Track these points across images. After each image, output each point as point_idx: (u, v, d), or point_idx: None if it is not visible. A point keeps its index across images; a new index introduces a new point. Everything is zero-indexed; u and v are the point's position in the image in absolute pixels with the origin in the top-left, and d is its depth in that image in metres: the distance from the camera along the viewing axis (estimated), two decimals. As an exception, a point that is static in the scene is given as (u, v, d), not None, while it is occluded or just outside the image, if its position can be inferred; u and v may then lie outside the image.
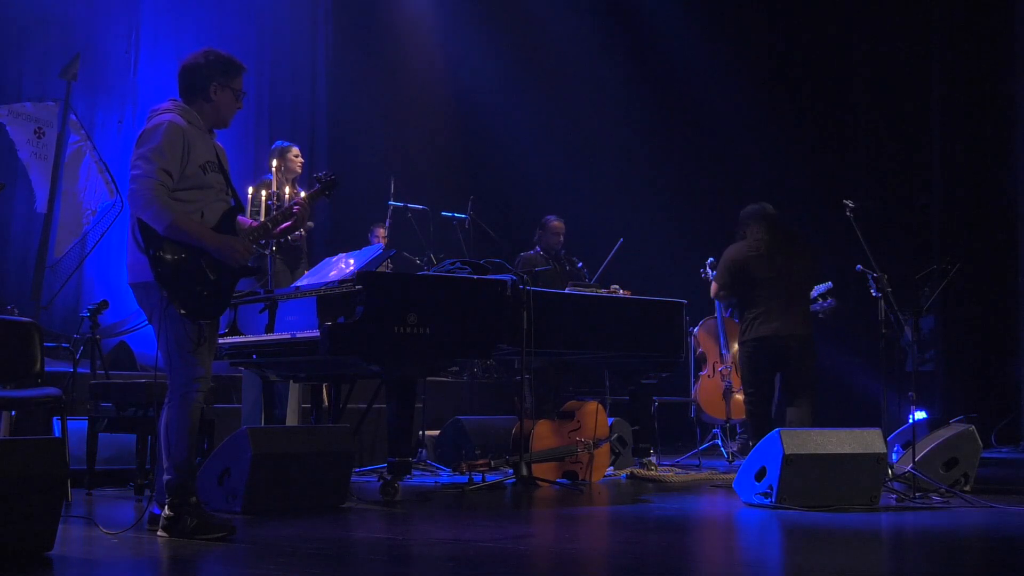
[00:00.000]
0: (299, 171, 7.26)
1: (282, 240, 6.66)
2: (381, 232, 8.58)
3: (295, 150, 7.27)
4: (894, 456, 5.96)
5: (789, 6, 11.28)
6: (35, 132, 7.80)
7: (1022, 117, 10.13)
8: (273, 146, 7.35)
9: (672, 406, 9.20)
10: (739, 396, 8.45)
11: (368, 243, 8.44)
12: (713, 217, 11.19)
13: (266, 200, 5.39)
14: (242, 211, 4.35)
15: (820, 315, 7.18)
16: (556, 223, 8.26)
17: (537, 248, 8.25)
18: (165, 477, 4.02)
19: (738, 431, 8.82)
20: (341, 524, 4.53)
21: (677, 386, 9.17)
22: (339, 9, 10.72)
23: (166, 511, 3.97)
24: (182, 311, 3.95)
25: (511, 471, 6.00)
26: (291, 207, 4.38)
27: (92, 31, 8.68)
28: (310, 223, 6.65)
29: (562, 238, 8.27)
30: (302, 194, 5.50)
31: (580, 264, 8.27)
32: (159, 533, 3.96)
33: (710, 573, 3.65)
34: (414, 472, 6.37)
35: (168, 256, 3.96)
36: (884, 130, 11.08)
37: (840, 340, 9.72)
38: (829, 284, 7.14)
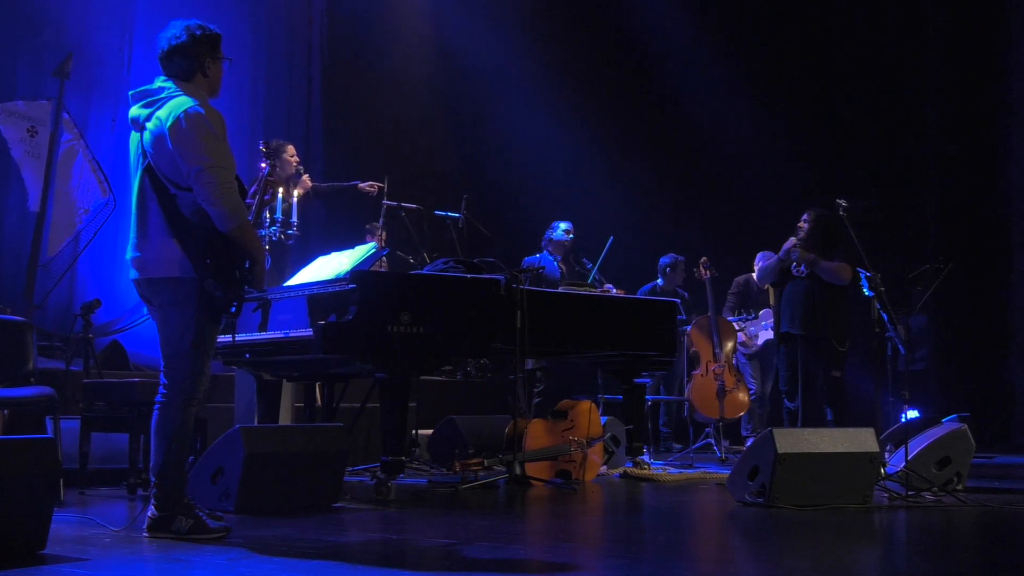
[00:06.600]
0: (293, 171, 7.24)
1: (274, 239, 6.64)
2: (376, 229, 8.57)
3: (290, 148, 7.25)
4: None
5: (785, 3, 11.30)
6: (28, 131, 7.77)
7: (1017, 117, 10.15)
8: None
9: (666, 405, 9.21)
10: (741, 395, 8.45)
11: (365, 241, 8.44)
12: (708, 217, 11.23)
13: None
14: (245, 192, 4.27)
15: None
16: (565, 227, 8.49)
17: (545, 252, 8.35)
18: (154, 475, 4.01)
19: (744, 426, 8.87)
20: (334, 523, 4.52)
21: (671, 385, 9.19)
22: (334, 6, 10.71)
23: (153, 511, 3.96)
24: (225, 306, 3.92)
25: (504, 470, 6.00)
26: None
27: (86, 29, 8.65)
28: (294, 220, 6.64)
29: (572, 237, 8.46)
30: (296, 192, 5.47)
31: (589, 264, 8.32)
32: (144, 533, 3.96)
33: (703, 572, 3.65)
34: (407, 471, 6.37)
35: (220, 248, 3.90)
36: (878, 129, 11.10)
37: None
38: None
